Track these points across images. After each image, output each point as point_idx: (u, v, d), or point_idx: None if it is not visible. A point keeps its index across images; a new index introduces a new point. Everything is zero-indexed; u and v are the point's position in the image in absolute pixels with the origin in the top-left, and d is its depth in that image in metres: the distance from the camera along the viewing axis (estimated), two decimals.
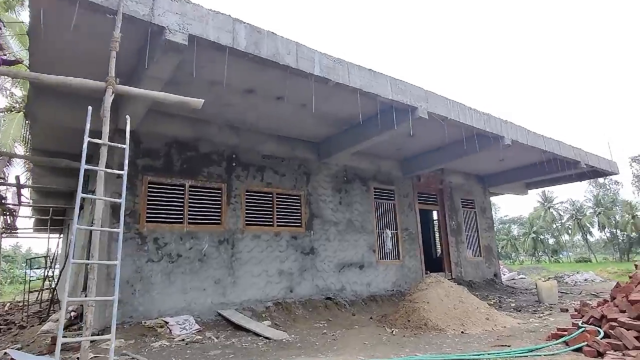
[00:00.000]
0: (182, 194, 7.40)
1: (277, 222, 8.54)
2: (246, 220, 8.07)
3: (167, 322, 6.34)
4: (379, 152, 10.53)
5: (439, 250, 15.03)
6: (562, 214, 67.47)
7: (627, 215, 56.81)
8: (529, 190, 15.87)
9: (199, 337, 6.05)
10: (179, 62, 5.17)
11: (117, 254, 3.31)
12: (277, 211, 8.61)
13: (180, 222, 7.25)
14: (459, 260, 12.20)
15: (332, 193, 9.62)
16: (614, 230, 60.46)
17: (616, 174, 13.13)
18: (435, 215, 15.19)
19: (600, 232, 64.16)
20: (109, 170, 3.68)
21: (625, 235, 58.08)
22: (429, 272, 11.30)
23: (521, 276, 17.55)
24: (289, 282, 8.33)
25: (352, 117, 7.95)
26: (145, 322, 6.33)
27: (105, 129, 3.93)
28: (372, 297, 9.43)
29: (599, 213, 60.22)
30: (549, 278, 15.11)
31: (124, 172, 3.77)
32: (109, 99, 3.95)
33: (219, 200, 7.81)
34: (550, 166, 11.45)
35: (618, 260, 55.50)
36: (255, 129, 8.45)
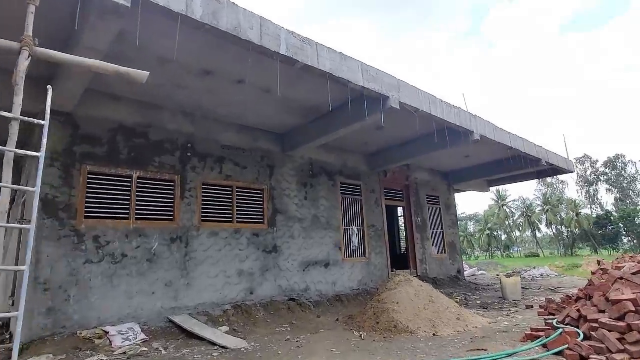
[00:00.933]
0: (129, 186, 6.56)
1: (237, 218, 7.88)
2: (202, 216, 7.35)
3: (107, 332, 5.55)
4: (346, 145, 10.11)
5: (403, 247, 14.93)
6: (514, 211, 71.06)
7: (572, 213, 60.74)
8: (490, 188, 16.14)
9: (145, 348, 5.31)
10: (121, 30, 4.41)
11: (27, 257, 2.58)
12: (238, 206, 7.95)
13: (126, 218, 6.42)
14: (424, 257, 12.07)
15: (297, 187, 9.07)
16: (560, 227, 64.44)
17: (572, 171, 13.56)
18: (400, 211, 15.07)
19: (547, 228, 68.30)
20: (18, 151, 2.92)
21: (569, 231, 61.91)
22: (394, 269, 11.06)
23: (481, 272, 17.91)
24: (249, 283, 7.70)
25: (320, 106, 7.45)
26: (80, 333, 5.50)
27: (18, 100, 3.16)
28: (338, 296, 9.00)
29: (547, 210, 63.96)
30: (510, 273, 15.46)
31: (41, 154, 3.02)
32: (23, 62, 3.18)
33: (171, 194, 7.04)
34: (514, 163, 11.55)
35: (563, 255, 59.22)
36: (214, 116, 7.73)
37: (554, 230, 66.64)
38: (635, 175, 60.96)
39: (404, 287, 6.97)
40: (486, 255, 70.01)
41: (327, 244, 9.38)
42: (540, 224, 67.96)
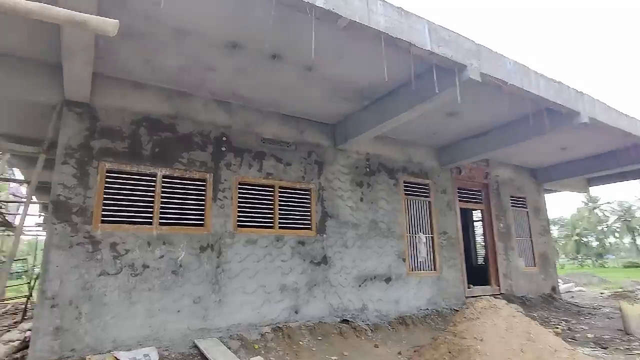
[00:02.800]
0: (153, 187, 5.70)
1: (280, 223, 6.72)
2: (238, 221, 6.30)
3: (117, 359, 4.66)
4: (410, 137, 8.52)
5: (479, 258, 12.81)
6: (608, 215, 62.37)
7: None
8: (590, 187, 13.34)
9: None
10: None
11: None
12: (280, 209, 6.79)
13: (149, 223, 5.55)
14: (508, 271, 9.97)
15: (351, 187, 7.70)
16: None
17: None
18: (475, 215, 12.97)
19: None
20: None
21: None
22: (471, 285, 9.18)
23: (579, 288, 14.97)
24: (293, 301, 6.50)
25: (375, 86, 6.03)
26: (90, 359, 4.67)
27: None
28: (402, 318, 7.45)
29: None
30: (622, 293, 12.56)
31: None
32: None
33: (202, 195, 6.07)
34: (629, 155, 9.08)
35: None
36: (252, 104, 6.66)
37: None
38: None
39: (490, 318, 5.26)
40: (573, 263, 62.21)
41: (388, 254, 7.88)
42: None
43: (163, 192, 5.74)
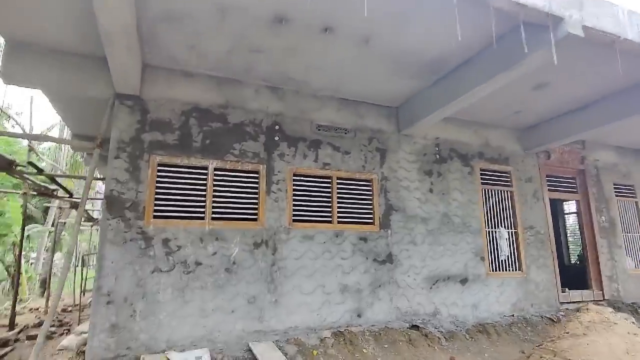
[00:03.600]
0: (205, 180, 5.43)
1: (339, 217, 6.14)
2: (294, 215, 5.84)
3: None
4: (487, 117, 7.42)
5: (572, 257, 11.10)
6: None
7: None
8: None
9: None
10: None
11: None
12: (339, 202, 6.20)
13: (201, 218, 5.29)
14: (613, 273, 8.37)
15: (418, 177, 6.86)
16: None
17: None
18: (567, 207, 11.25)
19: None
20: None
21: None
22: (566, 289, 7.83)
23: None
24: (356, 303, 5.89)
25: (446, 56, 5.17)
26: (144, 358, 4.50)
27: None
28: (482, 326, 6.47)
29: None
30: None
31: None
32: None
33: (255, 188, 5.69)
34: None
35: None
36: (305, 88, 6.14)
37: None
38: None
39: (602, 335, 4.18)
40: None
41: (463, 252, 6.92)
42: None
43: (215, 185, 5.45)
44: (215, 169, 5.50)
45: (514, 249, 7.44)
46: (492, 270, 7.12)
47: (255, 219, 5.58)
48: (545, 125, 7.56)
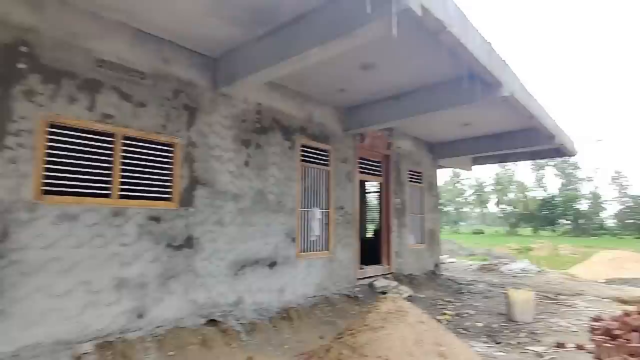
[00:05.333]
0: None
1: (122, 190, 4.58)
2: (46, 185, 3.99)
3: None
4: (313, 90, 6.94)
5: (367, 233, 12.31)
6: (467, 189, 72.32)
7: (520, 194, 62.51)
8: (472, 167, 13.76)
9: None
10: None
11: None
12: (124, 171, 4.62)
13: None
14: (399, 249, 9.47)
15: (234, 146, 5.84)
16: (506, 207, 66.39)
17: (574, 154, 11.37)
18: (369, 187, 12.32)
19: (496, 207, 70.34)
20: None
21: (515, 212, 63.82)
22: (363, 266, 8.36)
23: (451, 260, 15.91)
24: (137, 301, 4.56)
25: (276, 8, 4.18)
26: None
27: None
28: (285, 311, 6.12)
29: (498, 190, 65.47)
30: (487, 266, 13.48)
31: None
32: None
33: None
34: (524, 138, 9.08)
35: (507, 234, 61.31)
36: (84, 1, 4.20)
37: (501, 210, 68.62)
38: (578, 163, 62.92)
39: (396, 327, 4.14)
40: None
41: (276, 233, 6.37)
42: (490, 203, 69.88)
43: None
44: None
45: (324, 229, 7.37)
46: (302, 251, 6.86)
47: None
48: (365, 108, 7.62)
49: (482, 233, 63.00)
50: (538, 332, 6.14)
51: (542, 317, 7.03)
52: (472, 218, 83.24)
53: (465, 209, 77.73)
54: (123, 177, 4.59)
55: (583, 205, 57.81)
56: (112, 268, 4.38)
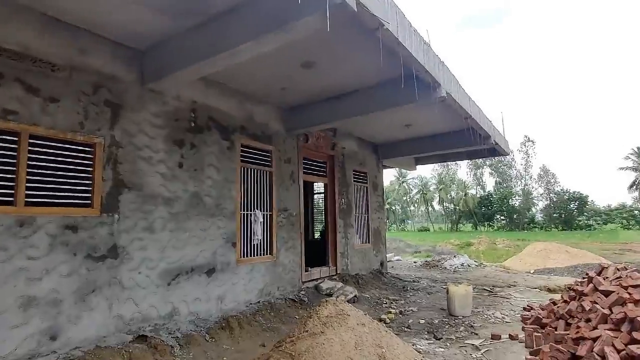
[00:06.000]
0: None
1: (29, 196, 4.04)
2: None
3: None
4: (253, 88, 6.68)
5: (315, 234, 12.24)
6: (412, 188, 75.15)
7: (461, 193, 66.16)
8: (417, 166, 14.19)
9: None
10: None
11: None
12: (31, 175, 4.08)
13: None
14: (346, 250, 9.45)
15: (165, 147, 5.42)
16: (449, 205, 69.98)
17: (508, 154, 12.09)
18: (317, 187, 12.25)
19: (439, 205, 73.86)
20: None
21: (457, 209, 67.43)
22: (309, 268, 8.22)
23: (397, 258, 16.29)
24: (49, 321, 4.04)
25: None
26: None
27: None
28: (226, 320, 5.80)
29: (441, 189, 68.78)
30: (430, 262, 13.93)
31: None
32: None
33: None
34: (460, 138, 9.43)
35: (450, 230, 64.64)
36: None
37: (444, 208, 72.18)
38: (512, 162, 67.84)
39: (337, 332, 4.03)
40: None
41: (213, 238, 6.02)
42: (434, 202, 73.18)
43: None
44: None
45: (267, 233, 7.13)
46: (243, 257, 6.57)
47: None
48: (307, 108, 7.49)
49: (428, 230, 66.08)
50: (476, 325, 6.35)
51: (479, 310, 7.31)
52: (418, 216, 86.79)
53: (411, 208, 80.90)
54: (30, 181, 4.04)
55: (516, 202, 62.31)
56: (18, 285, 3.83)
